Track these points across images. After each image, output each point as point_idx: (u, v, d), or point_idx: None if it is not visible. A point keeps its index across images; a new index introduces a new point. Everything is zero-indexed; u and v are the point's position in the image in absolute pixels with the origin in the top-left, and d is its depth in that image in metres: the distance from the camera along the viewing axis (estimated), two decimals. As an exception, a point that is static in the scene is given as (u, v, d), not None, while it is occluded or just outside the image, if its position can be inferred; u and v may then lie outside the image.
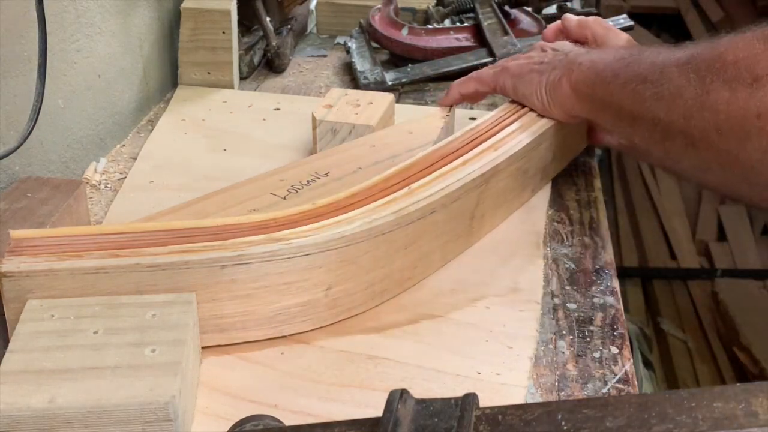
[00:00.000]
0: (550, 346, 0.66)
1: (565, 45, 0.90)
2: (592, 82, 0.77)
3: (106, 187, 0.89)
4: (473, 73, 0.93)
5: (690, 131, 0.66)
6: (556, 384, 0.63)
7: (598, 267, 0.77)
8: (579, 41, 0.94)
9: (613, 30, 0.94)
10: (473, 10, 1.23)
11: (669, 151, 0.71)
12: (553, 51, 0.88)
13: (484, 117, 0.84)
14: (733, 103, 0.61)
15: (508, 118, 0.83)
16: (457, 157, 0.75)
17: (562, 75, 0.80)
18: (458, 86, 0.93)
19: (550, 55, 0.86)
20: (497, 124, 0.82)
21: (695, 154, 0.67)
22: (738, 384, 0.40)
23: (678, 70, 0.66)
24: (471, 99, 0.95)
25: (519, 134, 0.81)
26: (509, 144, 0.79)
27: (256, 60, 1.17)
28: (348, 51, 1.19)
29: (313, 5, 1.37)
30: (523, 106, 0.85)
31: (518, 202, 0.84)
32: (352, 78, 1.16)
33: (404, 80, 1.12)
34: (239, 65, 1.12)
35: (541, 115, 0.84)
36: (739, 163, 0.63)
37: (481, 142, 0.78)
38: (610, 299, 0.72)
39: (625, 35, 0.93)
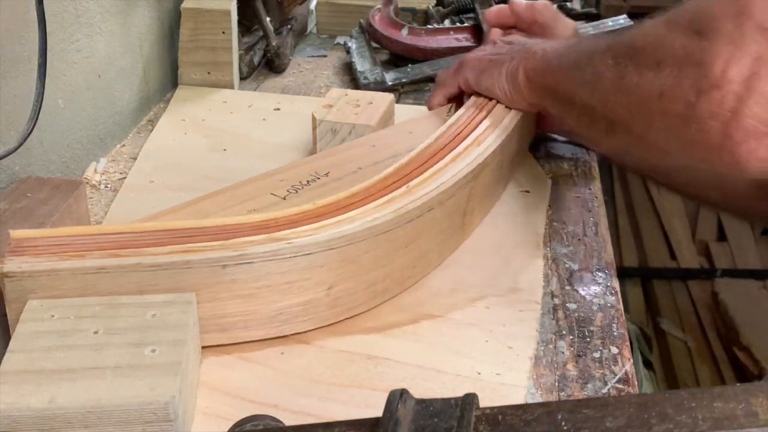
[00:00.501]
0: (550, 346, 0.66)
1: (519, 38, 0.92)
2: (542, 70, 0.79)
3: (106, 187, 0.89)
4: (437, 82, 0.95)
5: (608, 115, 0.68)
6: (556, 384, 0.63)
7: (598, 267, 0.77)
8: (527, 26, 0.96)
9: (562, 19, 0.95)
10: (473, 10, 1.23)
11: (594, 135, 0.74)
12: (508, 44, 0.90)
13: (459, 112, 0.84)
14: (640, 85, 0.63)
15: (480, 112, 0.84)
16: (447, 153, 0.76)
17: (519, 64, 0.82)
18: (432, 101, 0.95)
19: (506, 47, 0.89)
20: (473, 119, 0.83)
21: (614, 138, 0.70)
22: (738, 384, 0.40)
23: (600, 56, 0.68)
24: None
25: (494, 128, 0.82)
26: (489, 138, 0.80)
27: (256, 60, 1.17)
28: (348, 51, 1.19)
29: (313, 5, 1.37)
30: (489, 99, 0.86)
31: (497, 196, 0.85)
32: (352, 78, 1.16)
33: (404, 80, 1.12)
34: (239, 65, 1.12)
35: (508, 107, 0.85)
36: (650, 145, 0.65)
37: (464, 138, 0.79)
38: (610, 299, 0.72)
39: (572, 23, 0.95)
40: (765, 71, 0.55)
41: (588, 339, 0.67)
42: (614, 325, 0.69)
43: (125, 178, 0.90)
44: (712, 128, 0.57)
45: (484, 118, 0.83)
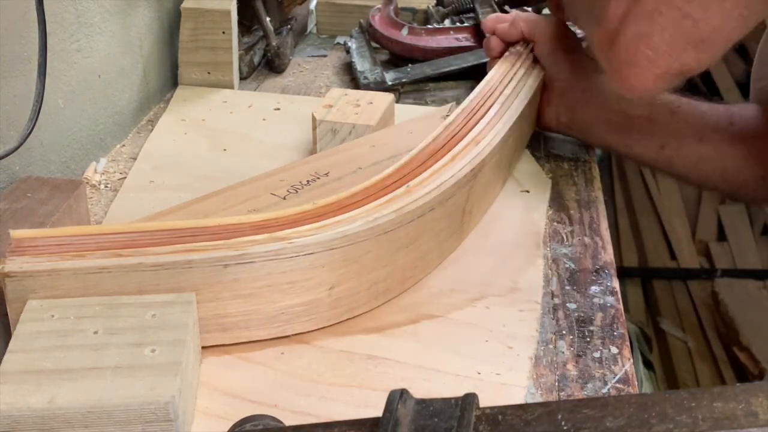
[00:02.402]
0: (550, 346, 0.66)
1: None
2: None
3: (106, 187, 0.89)
4: (498, 30, 0.99)
5: None
6: (556, 384, 0.63)
7: (598, 267, 0.77)
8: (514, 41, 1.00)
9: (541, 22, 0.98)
10: (473, 10, 1.23)
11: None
12: None
13: (456, 112, 0.84)
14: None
15: (476, 112, 0.84)
16: (446, 153, 0.76)
17: None
18: (500, 36, 0.99)
19: None
20: (469, 119, 0.83)
21: None
22: (738, 384, 0.40)
23: None
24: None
25: (491, 128, 0.82)
26: (487, 138, 0.80)
27: (256, 60, 1.17)
28: (348, 51, 1.19)
29: (313, 5, 1.37)
30: (485, 102, 0.86)
31: (494, 195, 0.85)
32: (352, 78, 1.16)
33: (404, 80, 1.12)
34: (239, 65, 1.12)
35: (504, 109, 0.86)
36: None
37: (462, 137, 0.79)
38: (610, 299, 0.72)
39: (556, 19, 0.97)
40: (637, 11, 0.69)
41: (588, 339, 0.67)
42: (614, 325, 0.69)
43: (125, 178, 0.90)
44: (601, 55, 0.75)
45: (482, 117, 0.83)
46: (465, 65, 1.13)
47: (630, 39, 0.70)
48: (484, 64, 1.06)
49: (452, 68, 1.13)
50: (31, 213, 0.71)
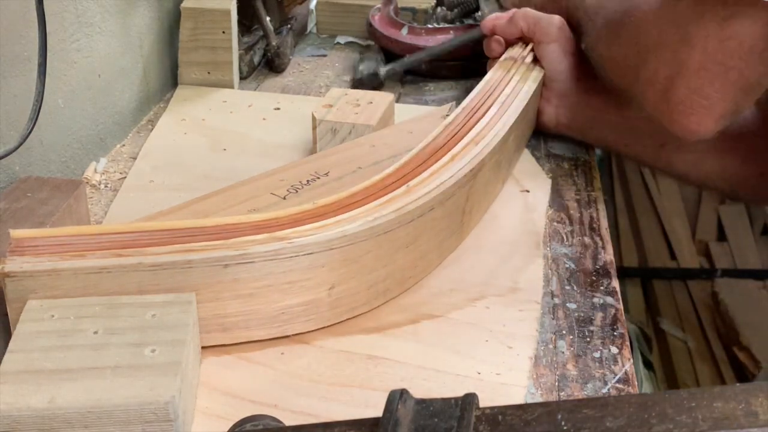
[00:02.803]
0: (550, 346, 0.66)
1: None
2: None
3: (106, 187, 0.89)
4: (497, 27, 1.01)
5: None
6: (556, 384, 0.63)
7: (598, 267, 0.77)
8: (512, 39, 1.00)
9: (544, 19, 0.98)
10: (477, 9, 1.23)
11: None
12: None
13: (456, 112, 0.84)
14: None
15: (476, 112, 0.84)
16: (446, 153, 0.76)
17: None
18: (499, 33, 1.00)
19: None
20: (469, 119, 0.83)
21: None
22: (738, 384, 0.40)
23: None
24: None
25: (491, 128, 0.82)
26: (487, 138, 0.80)
27: (256, 60, 1.17)
28: (356, 66, 1.19)
29: (313, 5, 1.37)
30: (485, 102, 0.86)
31: (495, 195, 0.85)
32: (352, 78, 1.16)
33: (397, 68, 1.11)
34: (239, 65, 1.12)
35: (504, 109, 0.86)
36: None
37: (462, 137, 0.79)
38: (610, 299, 0.72)
39: (557, 18, 0.97)
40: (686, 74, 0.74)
41: (588, 339, 0.67)
42: (614, 325, 0.69)
43: (125, 178, 0.90)
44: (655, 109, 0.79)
45: (481, 117, 0.83)
46: (461, 41, 1.12)
47: (684, 94, 0.75)
48: (484, 58, 1.05)
49: (446, 47, 1.12)
50: (31, 213, 0.71)
